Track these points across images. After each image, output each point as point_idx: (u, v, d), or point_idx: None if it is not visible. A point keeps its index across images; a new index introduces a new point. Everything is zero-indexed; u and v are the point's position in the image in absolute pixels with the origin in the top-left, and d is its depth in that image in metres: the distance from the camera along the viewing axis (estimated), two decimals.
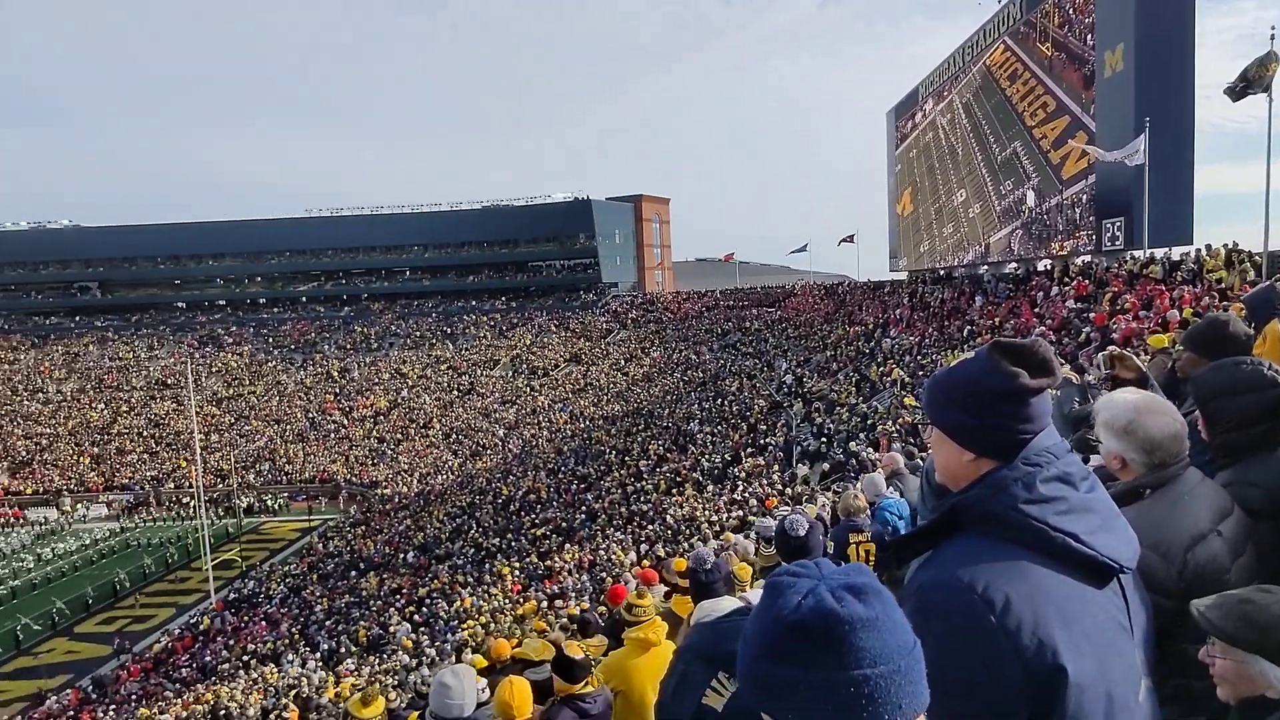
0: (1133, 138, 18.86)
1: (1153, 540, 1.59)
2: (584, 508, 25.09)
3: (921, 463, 9.19)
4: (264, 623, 24.01)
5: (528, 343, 57.33)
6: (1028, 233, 25.32)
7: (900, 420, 18.43)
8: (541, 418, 45.49)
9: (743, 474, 21.19)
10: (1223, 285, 15.79)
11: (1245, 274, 15.77)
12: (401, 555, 27.17)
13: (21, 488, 46.18)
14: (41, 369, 58.57)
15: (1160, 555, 1.60)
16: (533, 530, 24.81)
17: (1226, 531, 1.69)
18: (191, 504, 38.95)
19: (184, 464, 45.41)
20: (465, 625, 15.75)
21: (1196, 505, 1.72)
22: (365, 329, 61.79)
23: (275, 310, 66.65)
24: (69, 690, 22.59)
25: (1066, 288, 21.33)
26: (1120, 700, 1.20)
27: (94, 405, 54.18)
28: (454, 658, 12.80)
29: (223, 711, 15.18)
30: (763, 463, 21.66)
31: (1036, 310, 21.48)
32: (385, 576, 25.22)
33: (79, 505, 43.73)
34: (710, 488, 21.44)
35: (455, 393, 52.53)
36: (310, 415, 51.90)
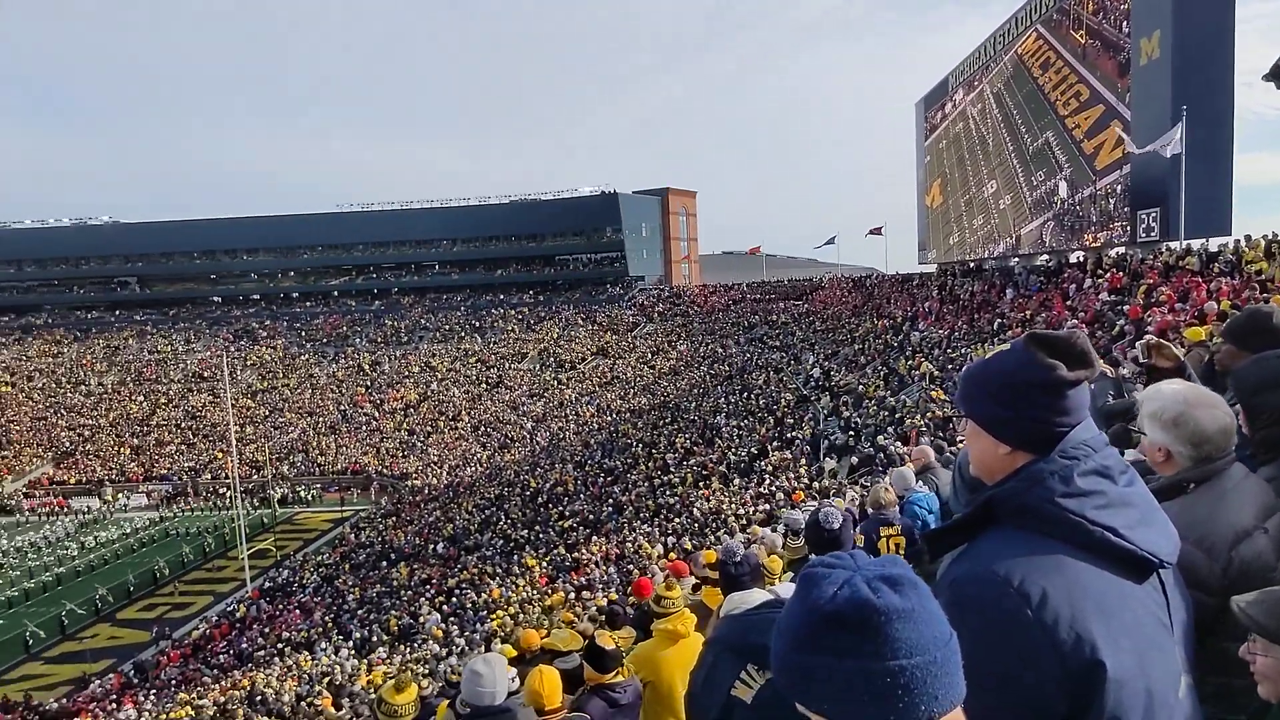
0: (1169, 126, 18.50)
1: (1197, 536, 1.57)
2: (611, 500, 25.24)
3: (952, 457, 9.15)
4: (298, 611, 24.49)
5: (555, 336, 57.64)
6: (1060, 224, 24.94)
7: (929, 414, 18.31)
8: (569, 411, 45.76)
9: (769, 468, 21.17)
10: (1262, 277, 15.44)
11: None
12: (431, 546, 27.54)
13: (66, 477, 47.50)
14: (84, 362, 60.12)
15: (1204, 551, 1.57)
16: (560, 522, 25.00)
17: (1273, 528, 1.65)
18: (228, 494, 39.79)
19: (220, 455, 46.37)
20: (494, 615, 15.96)
21: (1242, 501, 1.68)
22: (395, 323, 62.54)
23: (308, 304, 67.71)
24: (111, 674, 23.21)
25: (1100, 280, 20.97)
26: (1160, 696, 1.18)
27: (134, 397, 55.51)
28: (483, 647, 12.99)
29: (259, 697, 15.52)
30: (789, 456, 21.61)
31: (1069, 303, 21.16)
32: (416, 567, 25.58)
33: (120, 495, 44.83)
34: (736, 481, 21.46)
35: (483, 386, 53.01)
36: (342, 408, 52.71)
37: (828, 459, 20.17)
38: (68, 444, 50.64)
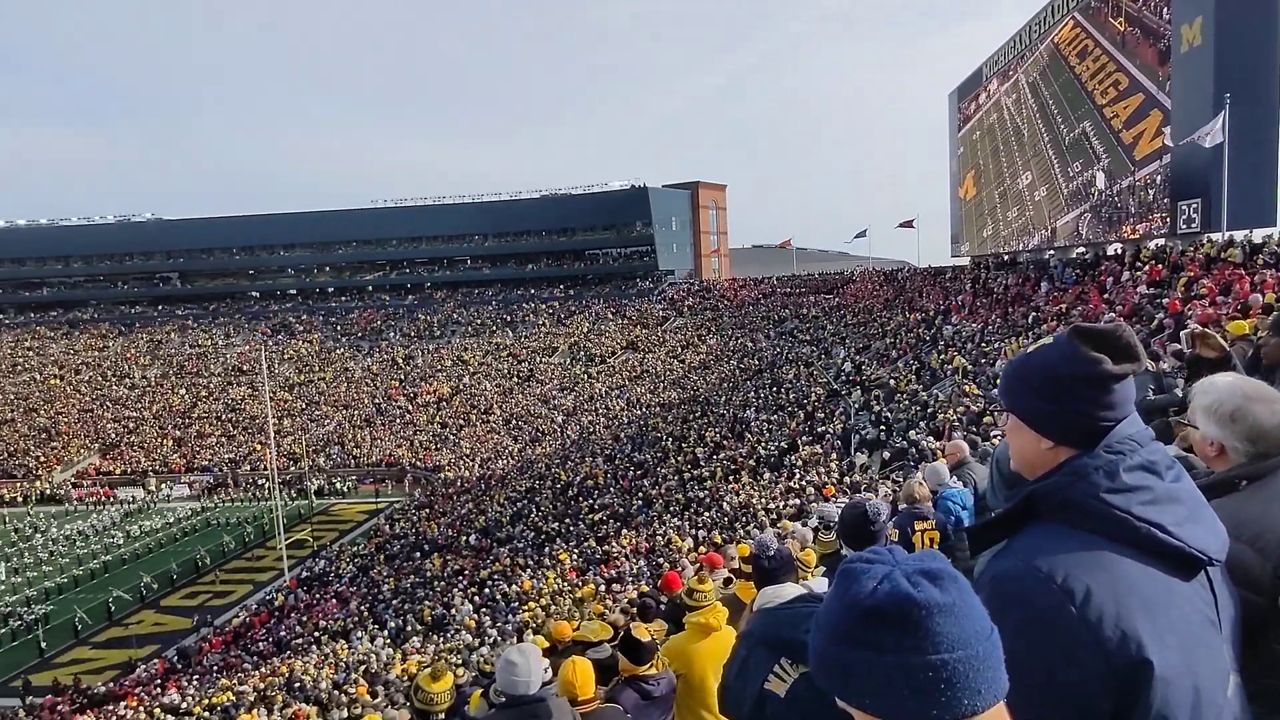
0: (1211, 116, 18.09)
1: (1250, 534, 1.52)
2: (641, 494, 25.37)
3: (989, 451, 9.07)
4: (335, 600, 24.93)
5: (585, 330, 57.89)
6: (1097, 216, 24.49)
7: (962, 409, 18.15)
8: (599, 405, 45.99)
9: (799, 462, 21.15)
10: None
11: None
12: (464, 538, 27.88)
13: (111, 468, 48.83)
14: (128, 356, 61.70)
15: (1257, 550, 1.51)
16: (590, 515, 25.20)
17: None
18: (266, 485, 40.63)
19: (259, 447, 47.31)
20: (526, 607, 16.16)
21: None
22: (428, 317, 63.26)
23: (343, 299, 68.74)
24: (156, 659, 23.89)
25: (1138, 272, 20.58)
26: (1207, 695, 1.15)
27: (176, 390, 56.86)
28: (515, 638, 13.15)
29: (297, 684, 15.84)
30: (820, 451, 21.57)
31: (1106, 296, 20.81)
32: (449, 558, 25.92)
33: (163, 485, 45.96)
34: (766, 475, 21.46)
35: (515, 380, 53.45)
36: (376, 401, 53.50)
37: (858, 454, 20.09)
38: (113, 435, 52.07)
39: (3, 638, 26.37)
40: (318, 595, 26.27)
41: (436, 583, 23.35)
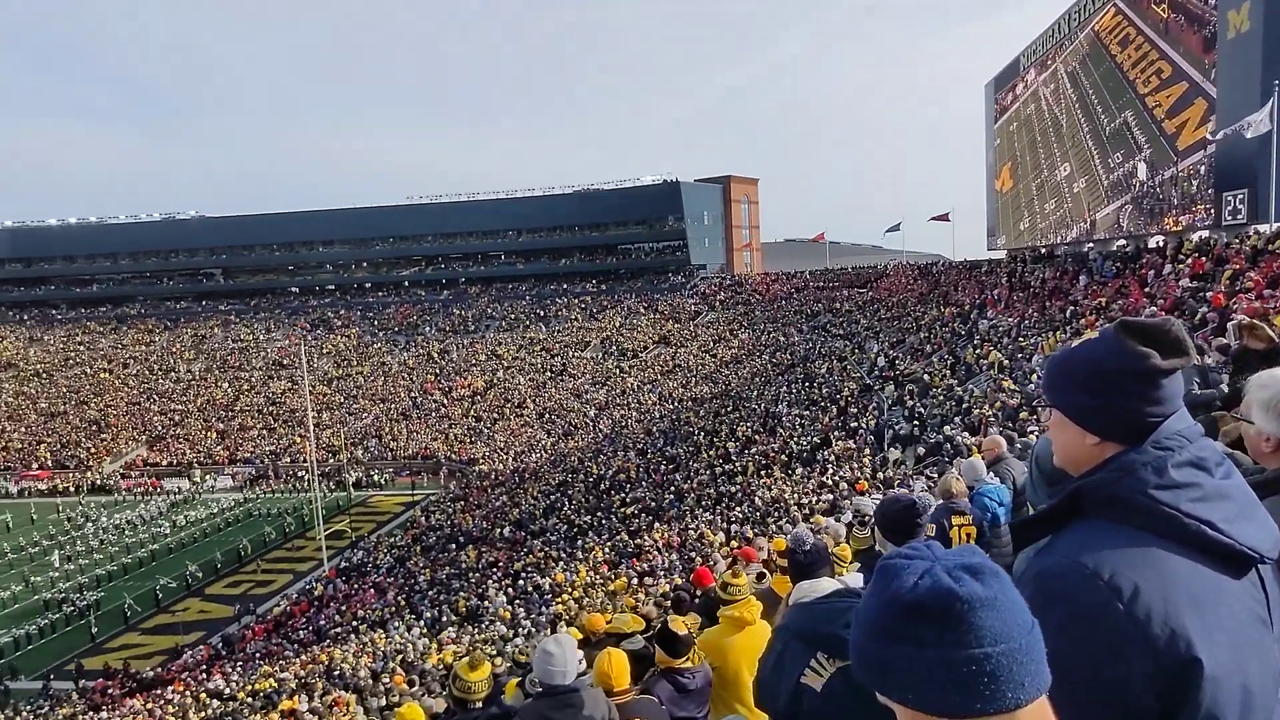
0: (1259, 104, 17.61)
1: None
2: (673, 488, 25.47)
3: (1030, 443, 8.99)
4: (372, 590, 25.40)
5: (617, 325, 58.08)
6: (1138, 207, 23.97)
7: (998, 404, 17.95)
8: (631, 399, 46.15)
9: (832, 457, 21.08)
10: None
11: None
12: (498, 530, 28.22)
13: (158, 459, 50.21)
14: (173, 350, 63.33)
15: None
16: (622, 509, 25.37)
17: None
18: (306, 477, 41.47)
19: (299, 440, 48.23)
20: (559, 599, 16.35)
21: None
22: (463, 312, 63.94)
23: (380, 294, 69.75)
24: (201, 646, 24.62)
25: (1181, 266, 20.13)
26: (1259, 695, 1.13)
27: (219, 384, 58.23)
28: (549, 630, 13.32)
29: (336, 672, 16.21)
30: (853, 446, 21.47)
31: (1147, 290, 20.38)
32: (483, 550, 26.24)
33: (207, 477, 47.14)
34: (799, 470, 21.42)
35: (548, 374, 53.83)
36: (412, 395, 54.25)
37: (892, 449, 19.97)
38: (159, 428, 53.50)
39: (56, 623, 27.31)
40: (356, 585, 26.75)
41: (471, 574, 23.66)
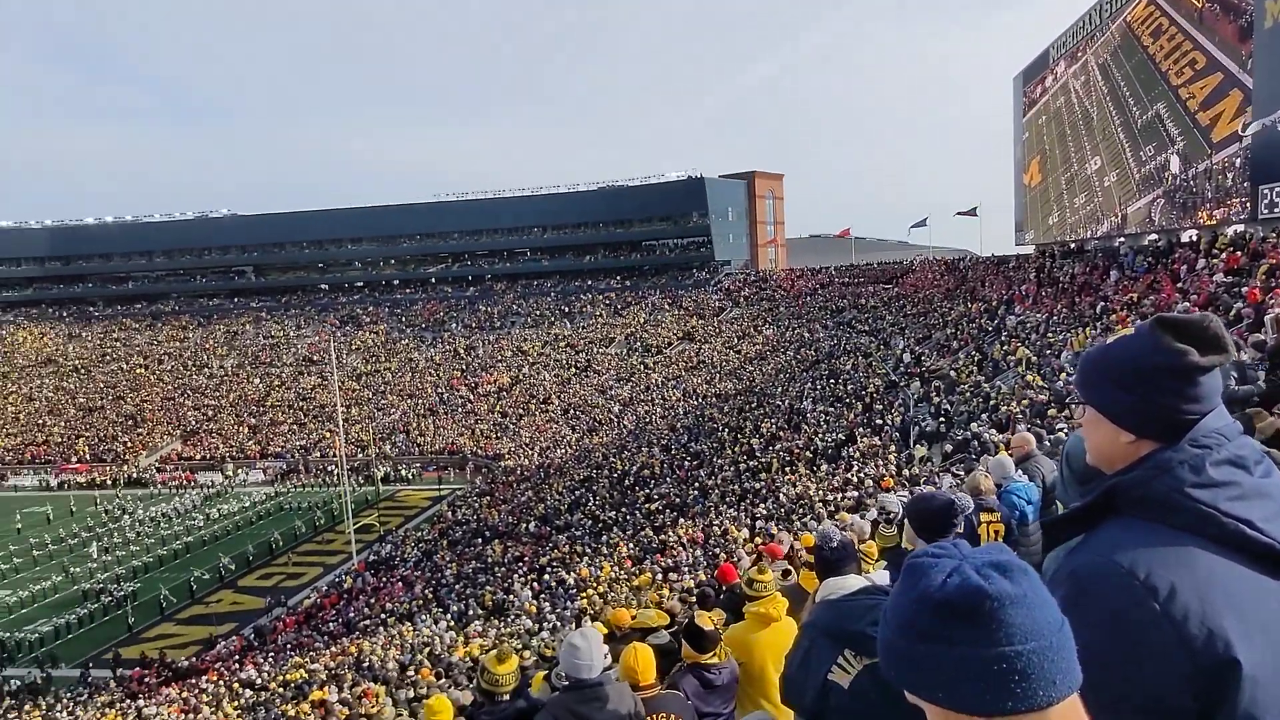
0: None
1: None
2: (697, 484, 25.53)
3: (1061, 441, 8.90)
4: (400, 584, 25.72)
5: (642, 321, 58.16)
6: (1170, 201, 23.56)
7: (1025, 401, 17.79)
8: (655, 395, 46.23)
9: (857, 454, 21.00)
10: None
11: None
12: (524, 525, 28.44)
13: (192, 453, 51.21)
14: (206, 346, 64.49)
15: None
16: (647, 505, 25.46)
17: None
18: (335, 472, 42.07)
19: (328, 435, 48.93)
20: (583, 594, 16.47)
21: None
22: (489, 308, 64.39)
23: (407, 291, 70.45)
24: (234, 636, 25.13)
25: (1215, 260, 19.77)
26: None
27: (250, 380, 59.21)
28: (574, 624, 13.42)
29: (365, 663, 16.47)
30: (878, 443, 21.37)
31: (1180, 285, 20.06)
32: (509, 544, 26.48)
33: (240, 470, 47.95)
34: (824, 467, 21.37)
35: (573, 370, 54.07)
36: (439, 390, 54.78)
37: (918, 446, 19.86)
38: (193, 422, 54.54)
39: (95, 612, 27.99)
40: (384, 579, 27.10)
41: (497, 568, 23.87)
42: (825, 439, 24.23)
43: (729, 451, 27.87)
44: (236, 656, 22.58)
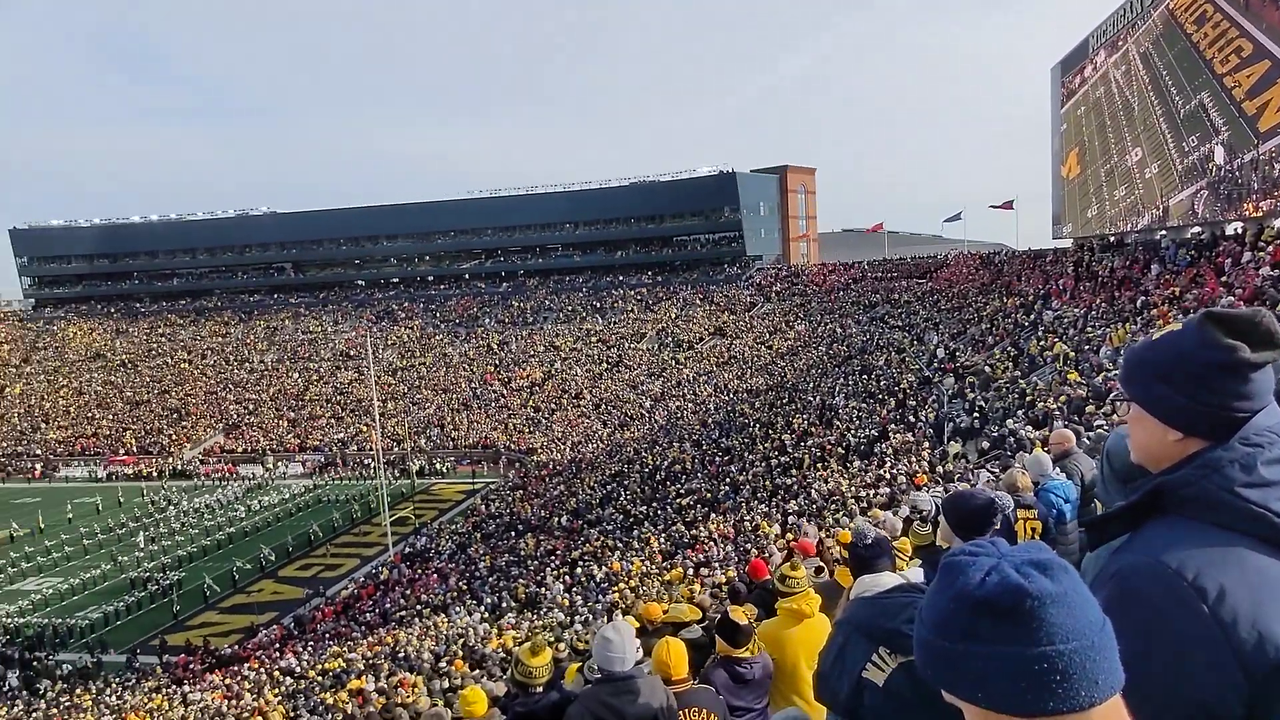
0: None
1: None
2: (728, 480, 25.55)
3: (1092, 441, 8.78)
4: (435, 576, 26.06)
5: (673, 316, 58.17)
6: (1214, 193, 22.99)
7: (1063, 397, 17.54)
8: (686, 390, 46.27)
9: (890, 450, 20.87)
10: None
11: None
12: (556, 519, 28.69)
13: (234, 446, 52.40)
14: (247, 341, 65.89)
15: None
16: (678, 500, 25.55)
17: None
18: (372, 465, 42.79)
19: (365, 429, 49.72)
20: (615, 588, 16.61)
21: None
22: (521, 304, 64.85)
23: (442, 287, 71.20)
24: (275, 626, 25.73)
25: (1261, 253, 19.29)
26: None
27: (290, 374, 60.37)
28: (605, 618, 13.54)
29: (401, 654, 16.78)
30: (911, 439, 21.22)
31: (1224, 279, 19.61)
32: (541, 538, 26.75)
33: (280, 463, 48.98)
34: (856, 463, 21.28)
35: (604, 365, 54.28)
36: (473, 385, 55.37)
37: (952, 442, 19.68)
38: (235, 416, 55.79)
39: (142, 600, 28.84)
40: (419, 570, 27.49)
41: (530, 562, 24.10)
42: (858, 435, 24.11)
43: (760, 447, 27.83)
44: (277, 645, 23.05)
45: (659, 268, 67.18)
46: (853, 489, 17.64)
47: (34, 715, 20.15)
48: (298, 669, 18.59)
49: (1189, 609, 1.09)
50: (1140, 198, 27.75)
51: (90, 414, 57.73)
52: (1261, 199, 21.03)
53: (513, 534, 28.76)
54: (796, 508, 18.48)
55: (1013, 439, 16.48)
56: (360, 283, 74.29)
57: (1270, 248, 19.08)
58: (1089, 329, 22.42)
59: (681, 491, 26.44)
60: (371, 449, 42.99)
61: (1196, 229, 24.85)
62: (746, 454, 27.90)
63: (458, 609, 20.71)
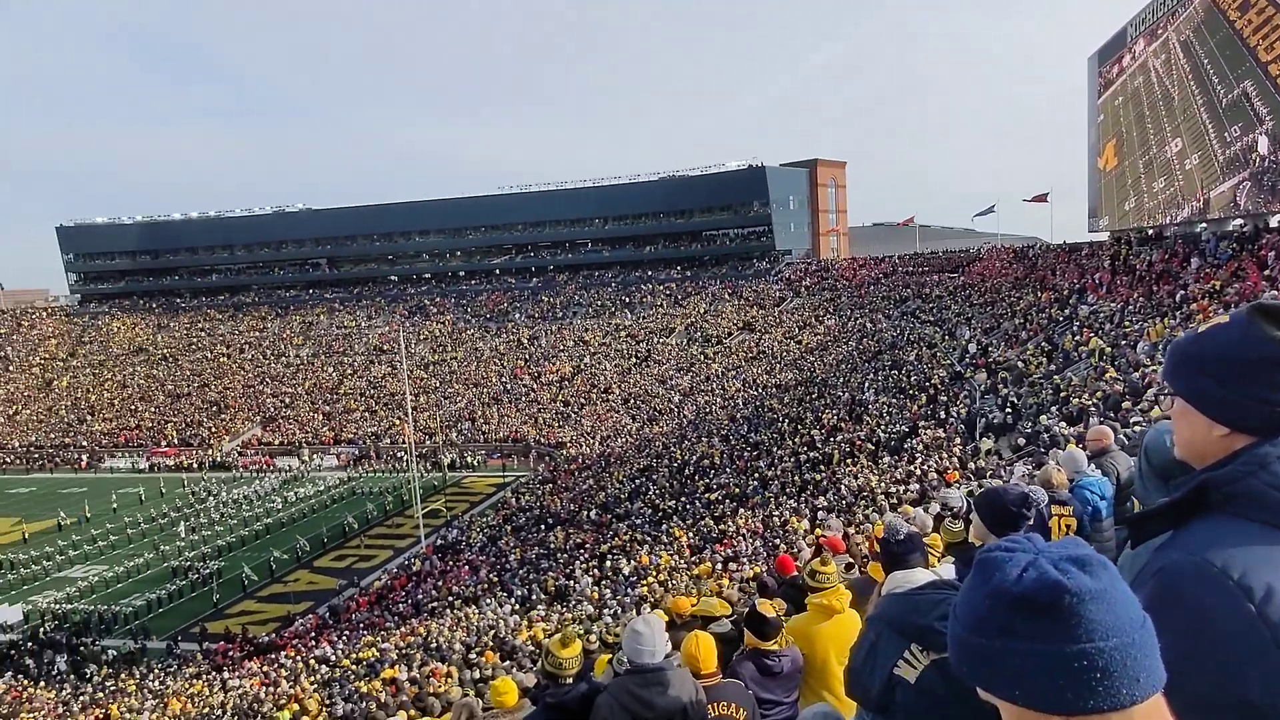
0: None
1: None
2: (756, 474, 25.53)
3: (1126, 439, 8.68)
4: (466, 568, 26.39)
5: (702, 311, 58.11)
6: (1257, 184, 22.44)
7: (1099, 393, 17.30)
8: (715, 385, 46.22)
9: (921, 446, 20.73)
10: None
11: None
12: (585, 512, 28.87)
13: (271, 439, 53.43)
14: (283, 336, 67.06)
15: None
16: (706, 495, 25.60)
17: None
18: (405, 458, 43.36)
19: (398, 422, 50.38)
20: (644, 581, 16.71)
21: None
22: (551, 299, 65.22)
23: (473, 282, 71.87)
24: (310, 615, 26.26)
25: None
26: None
27: (324, 368, 61.35)
28: (634, 611, 13.65)
29: (433, 644, 17.01)
30: (942, 435, 21.05)
31: (1267, 273, 19.20)
32: (570, 531, 26.95)
33: (315, 456, 49.83)
34: (886, 459, 21.16)
35: (633, 360, 54.42)
36: (503, 380, 55.83)
37: (984, 439, 19.49)
38: (272, 409, 56.86)
39: (183, 589, 29.59)
40: (451, 562, 27.84)
41: (559, 555, 24.28)
42: (888, 430, 23.96)
43: (789, 442, 27.77)
44: (312, 634, 23.50)
45: (688, 262, 67.12)
46: (882, 485, 17.57)
47: (81, 698, 20.83)
48: (332, 657, 18.95)
49: (1235, 608, 1.06)
50: (1180, 189, 27.17)
51: (133, 406, 59.23)
52: None
53: (542, 527, 29.01)
54: (825, 503, 18.44)
55: (1046, 435, 16.31)
56: (393, 278, 75.21)
57: None
58: (1126, 324, 22.06)
59: (710, 486, 26.48)
60: (404, 442, 43.57)
61: (1238, 221, 24.29)
62: (775, 449, 27.85)
63: (489, 601, 20.91)
